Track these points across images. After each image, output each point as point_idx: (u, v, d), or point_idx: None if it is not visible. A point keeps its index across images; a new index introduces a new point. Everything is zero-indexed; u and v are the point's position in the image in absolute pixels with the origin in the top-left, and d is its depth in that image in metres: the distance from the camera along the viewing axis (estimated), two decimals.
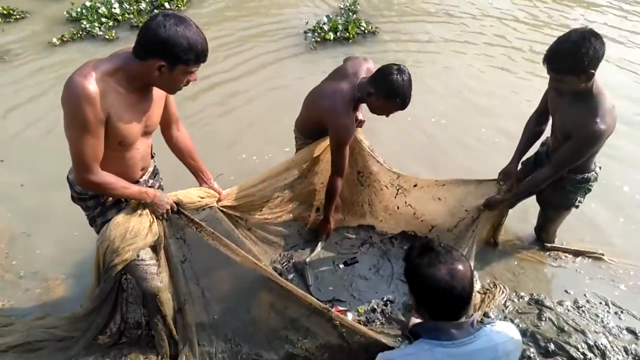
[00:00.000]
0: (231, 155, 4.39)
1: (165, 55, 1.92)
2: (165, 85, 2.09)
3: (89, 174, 2.08)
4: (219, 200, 2.68)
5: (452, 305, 1.66)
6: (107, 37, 6.49)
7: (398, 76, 2.67)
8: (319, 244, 3.37)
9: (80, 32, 6.55)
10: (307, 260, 3.25)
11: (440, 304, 1.67)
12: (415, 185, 3.30)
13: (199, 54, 1.98)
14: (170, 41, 1.89)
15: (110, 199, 2.37)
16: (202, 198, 2.56)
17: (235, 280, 2.62)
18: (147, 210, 2.32)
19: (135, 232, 2.29)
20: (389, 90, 2.71)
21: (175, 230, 2.48)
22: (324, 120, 2.92)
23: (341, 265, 3.27)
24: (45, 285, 3.16)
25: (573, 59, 2.37)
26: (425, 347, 1.67)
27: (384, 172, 3.33)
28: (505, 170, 3.08)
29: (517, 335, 1.80)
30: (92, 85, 1.90)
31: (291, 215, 3.26)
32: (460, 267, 1.67)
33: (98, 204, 2.37)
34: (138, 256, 2.31)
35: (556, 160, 2.76)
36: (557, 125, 2.82)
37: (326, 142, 3.05)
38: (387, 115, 2.89)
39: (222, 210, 2.70)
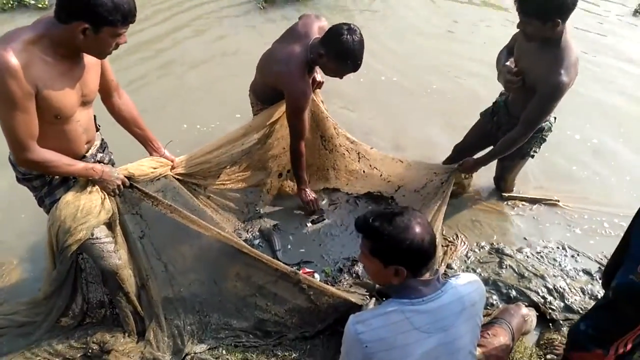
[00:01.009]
0: (172, 125, 4.17)
1: (88, 16, 1.80)
2: (92, 50, 1.96)
3: (26, 153, 1.96)
4: (172, 169, 2.60)
5: (429, 257, 1.70)
6: (40, 5, 6.11)
7: (348, 36, 2.59)
8: (322, 218, 3.31)
9: (12, 2, 6.14)
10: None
11: (424, 260, 1.70)
12: (372, 148, 3.33)
13: (125, 14, 1.85)
14: (92, 1, 1.77)
15: (57, 177, 2.25)
16: (154, 168, 2.47)
17: (198, 251, 2.56)
18: (97, 187, 2.23)
19: (87, 210, 2.20)
20: (340, 51, 2.64)
21: (130, 205, 2.40)
22: (279, 86, 2.84)
23: (309, 224, 3.26)
24: None
25: (542, 3, 2.36)
26: (395, 307, 1.69)
27: (342, 136, 3.32)
28: None
29: (481, 285, 1.86)
30: (12, 57, 1.77)
31: (252, 181, 3.20)
32: (424, 220, 1.72)
33: (45, 184, 2.25)
34: (92, 235, 2.23)
35: (525, 118, 2.75)
36: (520, 68, 2.78)
37: (284, 106, 2.98)
38: (340, 77, 2.83)
39: (177, 179, 2.63)
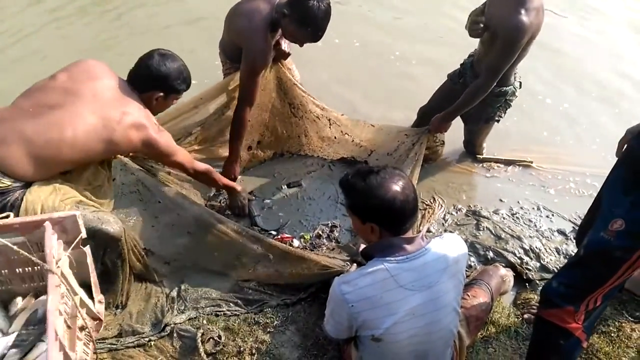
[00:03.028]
0: None
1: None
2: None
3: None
4: None
5: (406, 217, 1.72)
6: None
7: (315, 2, 2.49)
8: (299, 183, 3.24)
9: None
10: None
11: (398, 219, 1.71)
12: (342, 114, 3.28)
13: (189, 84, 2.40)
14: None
15: None
16: None
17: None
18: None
19: (64, 190, 2.10)
20: (303, 16, 2.53)
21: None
22: (239, 42, 2.73)
23: (284, 186, 3.22)
24: None
25: None
26: (380, 266, 1.71)
27: (311, 103, 3.24)
28: None
29: (463, 245, 1.89)
30: None
31: (216, 154, 3.15)
32: (403, 179, 1.73)
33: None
34: (78, 207, 2.11)
35: (487, 65, 2.75)
36: (486, 20, 2.76)
37: None
38: (300, 45, 2.73)
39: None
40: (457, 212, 3.09)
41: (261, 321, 2.40)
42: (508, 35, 2.57)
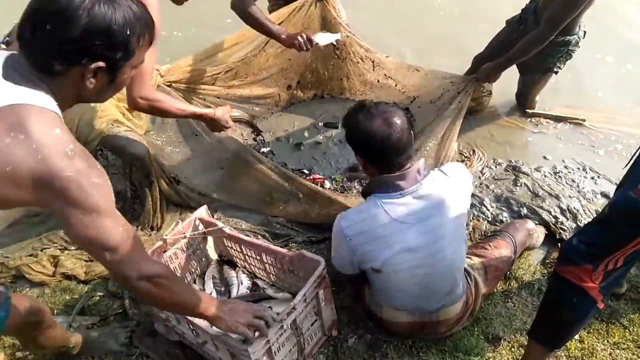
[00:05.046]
0: None
1: None
2: None
3: None
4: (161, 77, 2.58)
5: (392, 152, 1.74)
6: None
7: None
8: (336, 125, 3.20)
9: None
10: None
11: (382, 154, 1.75)
12: (387, 56, 3.19)
13: None
14: None
15: None
16: None
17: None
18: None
19: (103, 107, 2.21)
20: None
21: None
22: None
23: (321, 124, 3.24)
24: None
25: None
26: (375, 203, 1.77)
27: (355, 44, 3.16)
28: None
29: (466, 174, 1.92)
30: None
31: (255, 92, 3.16)
32: (394, 115, 1.74)
33: None
34: (112, 125, 2.24)
35: (548, 16, 2.60)
36: None
37: (288, 9, 2.84)
38: None
39: (169, 86, 2.63)
40: (496, 166, 2.99)
41: None
42: None
